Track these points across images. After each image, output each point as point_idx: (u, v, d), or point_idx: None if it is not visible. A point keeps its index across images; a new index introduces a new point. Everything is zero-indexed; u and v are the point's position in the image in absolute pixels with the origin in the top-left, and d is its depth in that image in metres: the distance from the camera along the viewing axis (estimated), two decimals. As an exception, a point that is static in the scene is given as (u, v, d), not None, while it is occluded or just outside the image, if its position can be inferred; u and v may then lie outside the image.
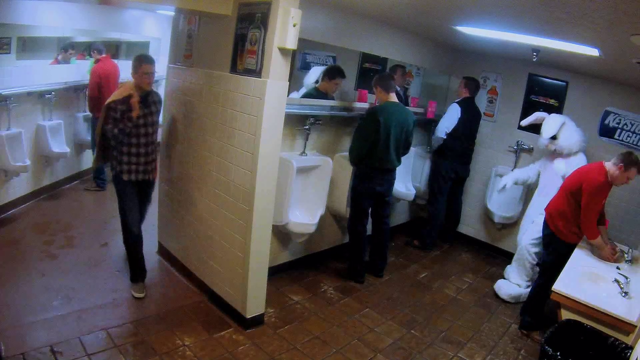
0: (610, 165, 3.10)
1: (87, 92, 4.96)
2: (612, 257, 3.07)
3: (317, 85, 4.00)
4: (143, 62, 2.89)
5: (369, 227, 3.86)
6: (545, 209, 3.38)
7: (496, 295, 3.93)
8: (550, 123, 3.96)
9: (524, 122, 4.22)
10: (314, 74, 4.24)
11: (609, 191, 3.13)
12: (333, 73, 3.91)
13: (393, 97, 3.60)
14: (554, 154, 4.02)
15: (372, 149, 3.51)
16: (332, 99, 3.89)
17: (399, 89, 4.24)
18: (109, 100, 2.88)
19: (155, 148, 3.15)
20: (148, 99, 3.00)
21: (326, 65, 4.84)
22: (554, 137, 3.91)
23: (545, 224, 3.34)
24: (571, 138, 3.89)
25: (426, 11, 3.09)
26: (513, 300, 3.83)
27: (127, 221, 3.07)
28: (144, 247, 3.20)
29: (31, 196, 4.48)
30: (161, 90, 6.47)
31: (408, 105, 4.47)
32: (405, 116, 3.62)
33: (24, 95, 4.12)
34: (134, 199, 3.07)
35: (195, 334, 2.78)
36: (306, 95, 3.96)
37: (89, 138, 5.18)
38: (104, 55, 4.96)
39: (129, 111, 2.85)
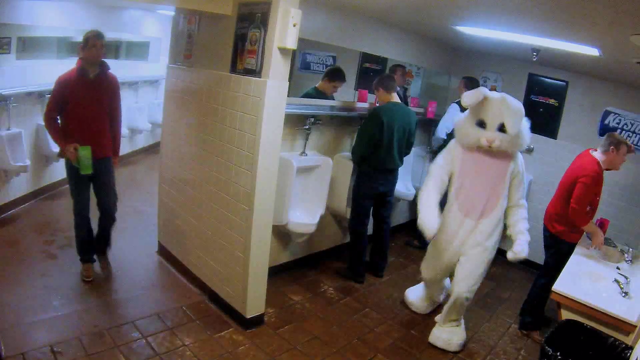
0: (599, 155, 3.10)
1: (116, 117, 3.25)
2: (601, 242, 3.08)
3: (316, 85, 4.00)
4: None
5: (370, 227, 3.85)
6: (545, 213, 3.39)
7: (445, 351, 3.01)
8: (519, 109, 2.75)
9: (467, 99, 2.80)
10: None
11: (601, 183, 3.13)
12: (334, 75, 3.91)
13: (395, 97, 3.61)
14: (482, 151, 2.83)
15: (375, 150, 3.51)
16: (332, 98, 3.89)
17: (398, 89, 4.24)
18: None
19: None
20: None
21: (326, 65, 4.84)
22: (502, 130, 2.74)
23: (545, 226, 3.35)
24: (527, 135, 2.85)
25: (426, 11, 3.09)
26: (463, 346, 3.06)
27: None
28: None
29: (31, 196, 4.47)
30: (161, 90, 6.52)
31: (407, 106, 4.47)
32: (407, 116, 3.63)
33: (24, 95, 4.11)
34: None
35: (195, 334, 2.78)
36: (305, 95, 3.96)
37: None
38: None
39: None
